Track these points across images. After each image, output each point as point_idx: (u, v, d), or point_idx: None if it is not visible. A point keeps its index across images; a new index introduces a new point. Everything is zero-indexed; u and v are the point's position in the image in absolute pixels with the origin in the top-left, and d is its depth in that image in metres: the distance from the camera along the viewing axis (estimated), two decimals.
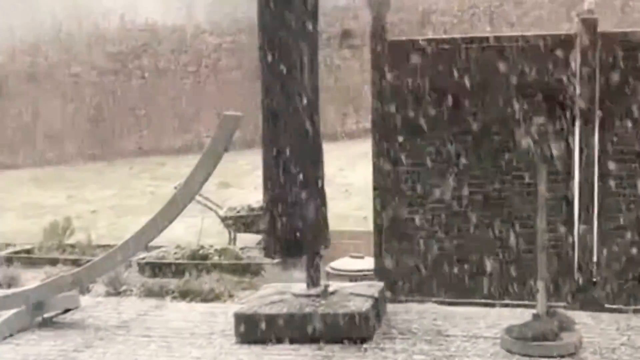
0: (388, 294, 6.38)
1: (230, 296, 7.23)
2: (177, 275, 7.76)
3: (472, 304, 6.39)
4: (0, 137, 17.35)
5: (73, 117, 18.40)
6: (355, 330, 5.58)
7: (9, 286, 7.66)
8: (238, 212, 9.60)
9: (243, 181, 13.72)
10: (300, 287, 6.17)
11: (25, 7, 20.72)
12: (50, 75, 18.58)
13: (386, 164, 6.54)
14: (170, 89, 18.50)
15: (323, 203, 6.04)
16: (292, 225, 5.91)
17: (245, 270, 7.88)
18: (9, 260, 8.78)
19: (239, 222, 9.50)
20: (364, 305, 5.73)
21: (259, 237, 9.28)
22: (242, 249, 8.69)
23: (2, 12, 18.86)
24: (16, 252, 9.06)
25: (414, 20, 17.60)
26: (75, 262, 8.25)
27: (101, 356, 5.53)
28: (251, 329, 5.71)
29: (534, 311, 5.42)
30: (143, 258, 8.20)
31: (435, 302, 6.48)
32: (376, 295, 5.99)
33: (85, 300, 6.95)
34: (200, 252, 8.32)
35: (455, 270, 6.47)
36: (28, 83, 18.16)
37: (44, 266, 8.39)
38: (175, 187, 7.70)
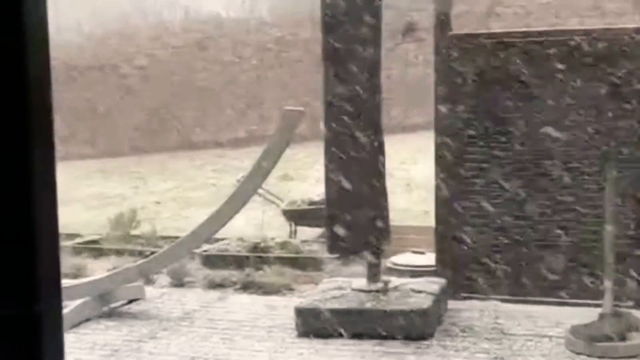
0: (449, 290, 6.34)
1: (291, 290, 7.28)
2: (239, 268, 7.83)
3: (535, 302, 6.31)
4: (69, 129, 17.72)
5: (138, 109, 18.68)
6: (416, 327, 5.56)
7: (76, 276, 7.83)
8: (299, 205, 9.62)
9: (304, 174, 13.76)
10: (361, 282, 6.17)
11: (93, 1, 21.11)
12: (117, 68, 18.90)
13: (449, 158, 6.49)
14: (233, 81, 18.65)
15: (384, 197, 6.03)
16: (353, 220, 5.92)
17: (305, 264, 7.90)
18: (76, 250, 8.97)
19: (300, 216, 9.53)
20: (425, 301, 5.71)
21: (319, 230, 9.29)
22: (302, 242, 8.72)
23: (70, 6, 19.23)
24: (83, 243, 9.24)
25: (479, 12, 17.39)
26: (141, 253, 8.38)
27: (165, 347, 5.63)
28: (312, 323, 5.74)
29: (600, 311, 5.32)
30: (206, 250, 8.29)
31: (497, 299, 6.42)
32: (437, 291, 5.97)
33: (149, 291, 7.06)
34: (262, 245, 8.37)
35: (518, 267, 6.39)
36: (95, 75, 18.50)
37: (110, 257, 8.54)
38: (238, 180, 7.76)
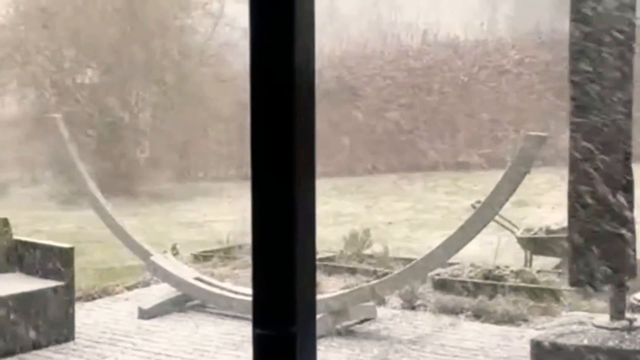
0: None
1: (526, 321, 7.02)
2: (471, 294, 7.67)
3: None
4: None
5: (374, 130, 19.02)
6: None
7: None
8: (535, 233, 9.27)
9: (540, 200, 13.31)
10: (603, 318, 5.81)
11: (333, 26, 21.84)
12: (355, 90, 19.36)
13: None
14: (469, 104, 18.48)
15: (632, 230, 5.66)
16: (597, 252, 5.60)
17: (542, 295, 7.58)
18: None
19: (537, 244, 9.18)
20: None
21: (556, 260, 8.91)
22: (538, 272, 8.38)
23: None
24: (318, 260, 9.46)
25: None
26: (373, 273, 8.47)
27: None
28: (549, 358, 5.48)
29: None
30: (438, 274, 8.21)
31: None
32: None
33: (381, 311, 7.10)
34: (495, 272, 8.14)
35: None
36: (334, 97, 19.05)
37: (344, 274, 8.69)
38: (473, 205, 7.63)
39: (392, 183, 17.39)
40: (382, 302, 7.47)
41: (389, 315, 7.09)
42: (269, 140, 1.58)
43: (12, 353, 6.01)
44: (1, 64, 17.58)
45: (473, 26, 20.19)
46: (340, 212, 14.54)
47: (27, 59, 17.33)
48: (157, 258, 7.71)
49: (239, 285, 7.71)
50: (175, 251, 9.49)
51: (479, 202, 7.05)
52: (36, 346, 6.16)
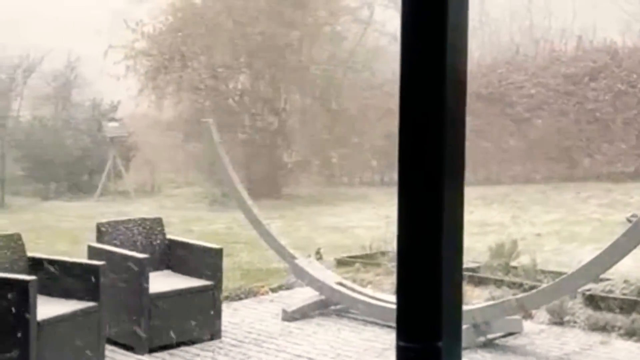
0: None
1: None
2: (624, 312, 7.31)
3: None
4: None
5: (524, 139, 18.52)
6: None
7: None
8: None
9: None
10: None
11: (483, 30, 21.49)
12: (505, 96, 18.93)
13: None
14: (627, 113, 17.68)
15: None
16: None
17: None
18: None
19: None
20: None
21: None
22: None
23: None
24: (463, 270, 9.25)
25: None
26: (520, 286, 8.21)
27: None
28: None
29: None
30: (589, 289, 7.87)
31: None
32: None
33: (527, 325, 6.88)
34: None
35: None
36: (483, 103, 18.71)
37: (489, 286, 8.48)
38: (629, 219, 7.28)
39: (541, 193, 16.87)
40: (529, 316, 7.24)
41: (536, 330, 6.86)
42: (417, 146, 1.54)
43: (162, 348, 6.24)
44: (160, 69, 18.36)
45: (632, 31, 19.32)
46: (486, 221, 14.23)
47: (184, 64, 18.02)
48: (302, 261, 7.79)
49: (381, 292, 7.68)
50: (319, 255, 9.57)
51: (635, 215, 6.74)
52: (185, 343, 6.36)
